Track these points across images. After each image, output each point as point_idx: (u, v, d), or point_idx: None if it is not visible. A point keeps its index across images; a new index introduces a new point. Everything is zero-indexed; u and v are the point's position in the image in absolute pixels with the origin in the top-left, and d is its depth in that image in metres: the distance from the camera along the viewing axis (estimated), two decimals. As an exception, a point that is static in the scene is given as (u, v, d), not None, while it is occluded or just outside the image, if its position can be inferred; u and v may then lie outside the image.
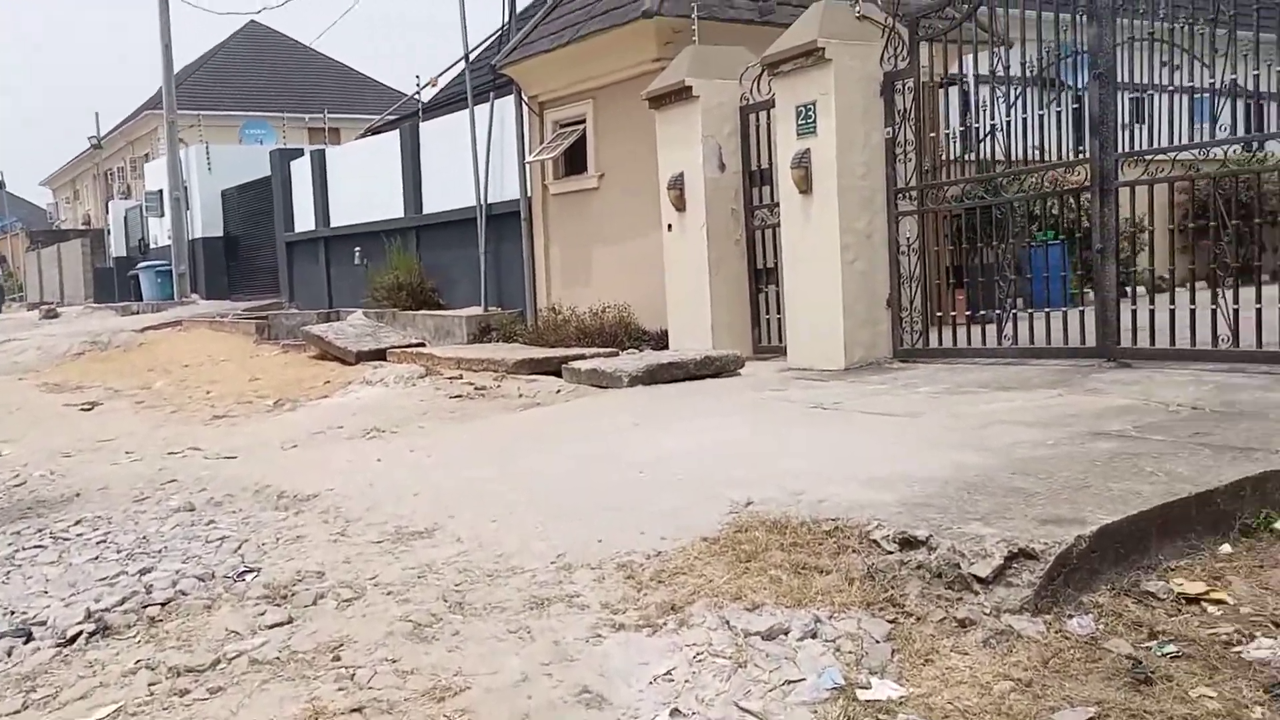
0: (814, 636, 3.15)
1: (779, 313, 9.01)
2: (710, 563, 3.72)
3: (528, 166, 12.57)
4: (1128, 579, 3.37)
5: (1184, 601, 3.21)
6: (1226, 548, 3.60)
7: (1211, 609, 3.16)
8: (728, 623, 3.26)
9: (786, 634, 3.17)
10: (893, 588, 3.40)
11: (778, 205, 8.71)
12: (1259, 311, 5.87)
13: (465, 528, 4.42)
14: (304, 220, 18.50)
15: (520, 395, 8.29)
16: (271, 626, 3.55)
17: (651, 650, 3.15)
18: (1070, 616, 3.14)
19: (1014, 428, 5.03)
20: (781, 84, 8.38)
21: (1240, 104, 6.32)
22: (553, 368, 9.10)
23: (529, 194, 12.66)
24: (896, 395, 6.50)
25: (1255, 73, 6.00)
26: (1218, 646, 2.89)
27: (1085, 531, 3.33)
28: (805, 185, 8.09)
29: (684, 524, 4.10)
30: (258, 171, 20.62)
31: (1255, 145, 6.43)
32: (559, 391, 8.20)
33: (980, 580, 3.27)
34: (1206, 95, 6.29)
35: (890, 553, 3.56)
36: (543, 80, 12.20)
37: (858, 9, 7.97)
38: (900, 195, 8.03)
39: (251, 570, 4.17)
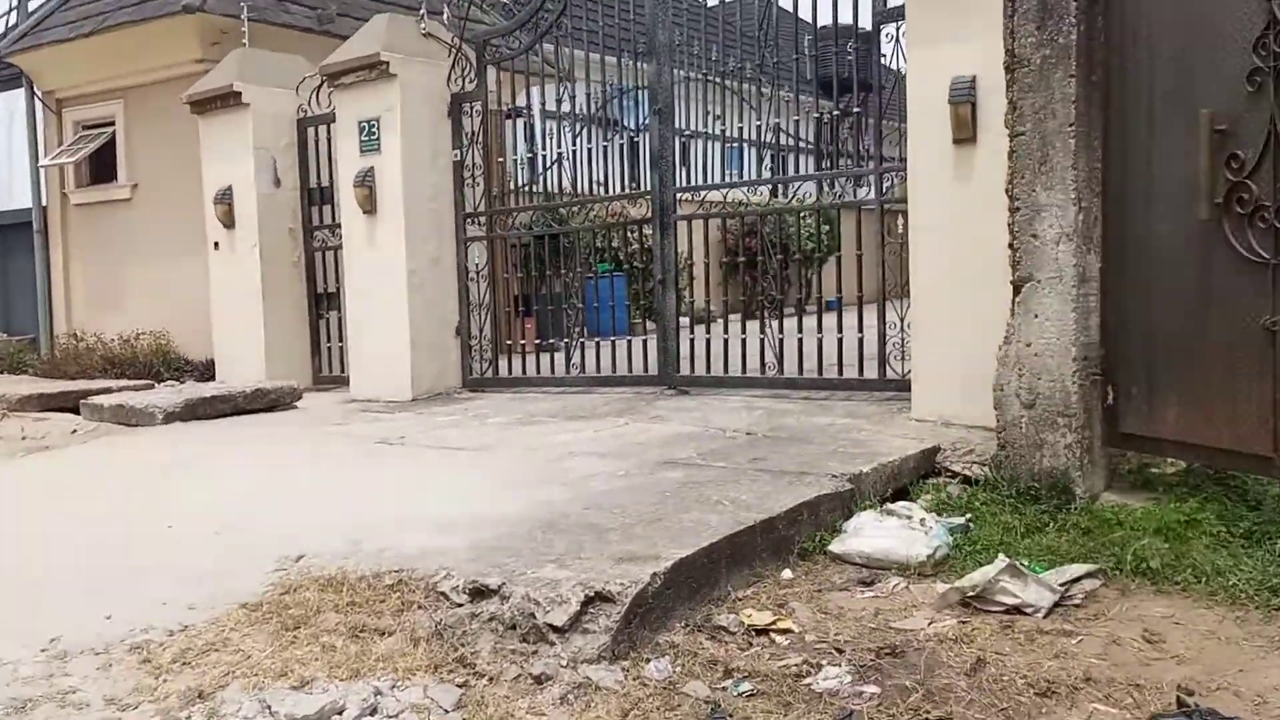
0: (374, 713, 2.72)
1: (342, 340, 8.41)
2: (250, 634, 3.15)
3: (43, 171, 10.84)
4: (701, 614, 3.29)
5: (754, 633, 3.17)
6: (788, 573, 3.66)
7: (780, 639, 3.14)
8: (269, 707, 2.73)
9: (341, 714, 2.71)
10: (463, 645, 3.05)
11: (340, 226, 8.13)
12: (800, 341, 6.30)
13: (-78, 613, 3.45)
14: None
15: (24, 437, 6.95)
16: None
17: (169, 755, 2.54)
18: (648, 660, 2.98)
19: (586, 459, 4.92)
20: (343, 97, 7.85)
21: (781, 153, 6.81)
22: (70, 403, 7.77)
23: (44, 203, 10.92)
24: (468, 428, 6.21)
25: (796, 118, 6.48)
26: (789, 680, 2.84)
27: (660, 568, 3.20)
28: (370, 205, 7.61)
29: (220, 588, 3.48)
30: None
31: (785, 187, 6.95)
32: (75, 432, 6.99)
33: (556, 629, 3.01)
34: (752, 140, 6.70)
35: (460, 605, 3.21)
36: (62, 74, 10.61)
37: (423, 25, 7.66)
38: (469, 220, 7.80)
39: None
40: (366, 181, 7.58)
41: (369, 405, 7.45)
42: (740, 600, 3.42)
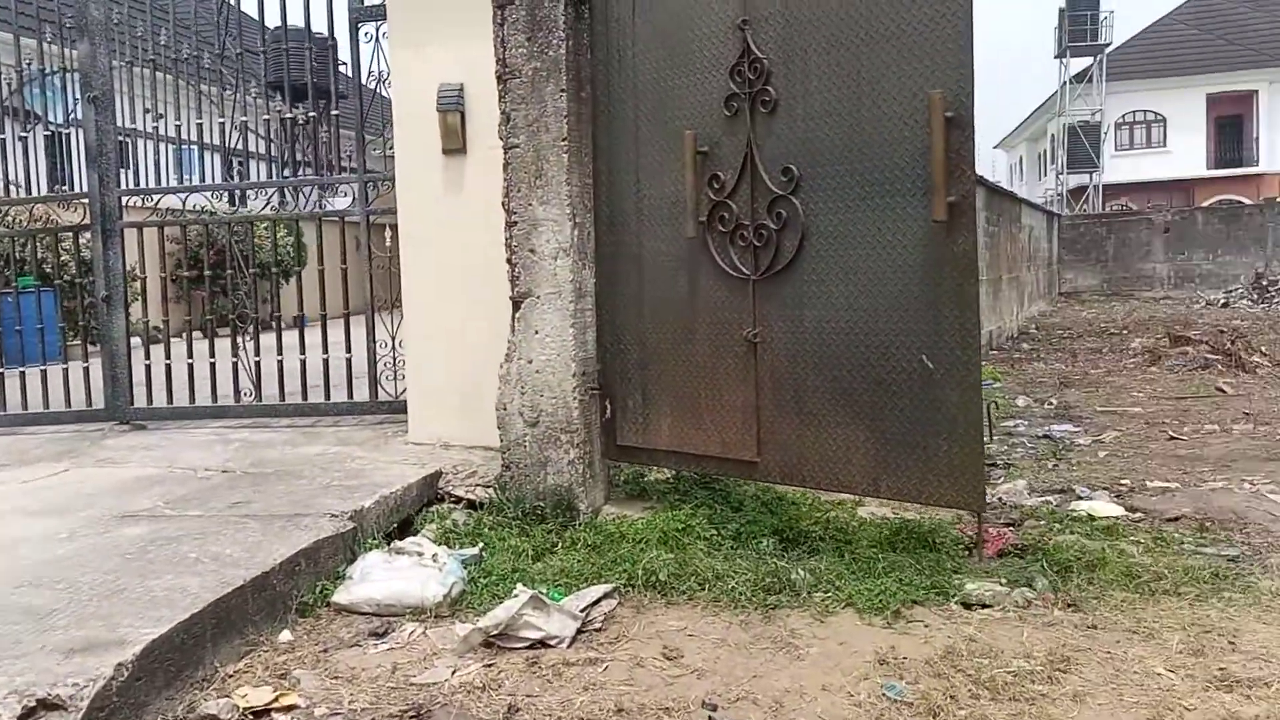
0: None
1: None
2: None
3: None
4: (183, 703, 2.71)
5: (252, 718, 2.67)
6: (287, 634, 3.18)
7: (284, 719, 2.67)
8: None
9: None
10: None
11: None
12: (280, 363, 5.71)
13: None
14: None
15: None
16: None
17: None
18: (116, 778, 2.36)
19: (15, 519, 3.95)
20: None
21: (248, 158, 6.14)
22: None
23: None
24: None
25: (267, 118, 5.86)
26: (303, 771, 2.40)
27: (127, 656, 2.59)
28: None
29: None
30: None
31: (241, 194, 6.30)
32: None
33: (-19, 761, 2.28)
34: (213, 143, 5.94)
35: None
36: None
37: None
38: None
39: None
40: None
41: None
42: (232, 677, 2.89)
